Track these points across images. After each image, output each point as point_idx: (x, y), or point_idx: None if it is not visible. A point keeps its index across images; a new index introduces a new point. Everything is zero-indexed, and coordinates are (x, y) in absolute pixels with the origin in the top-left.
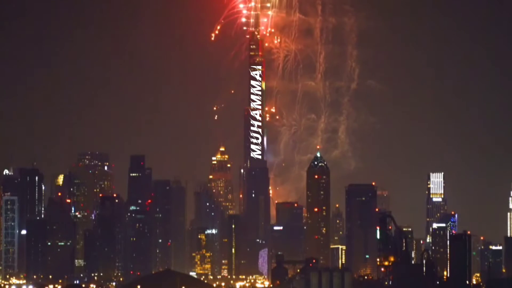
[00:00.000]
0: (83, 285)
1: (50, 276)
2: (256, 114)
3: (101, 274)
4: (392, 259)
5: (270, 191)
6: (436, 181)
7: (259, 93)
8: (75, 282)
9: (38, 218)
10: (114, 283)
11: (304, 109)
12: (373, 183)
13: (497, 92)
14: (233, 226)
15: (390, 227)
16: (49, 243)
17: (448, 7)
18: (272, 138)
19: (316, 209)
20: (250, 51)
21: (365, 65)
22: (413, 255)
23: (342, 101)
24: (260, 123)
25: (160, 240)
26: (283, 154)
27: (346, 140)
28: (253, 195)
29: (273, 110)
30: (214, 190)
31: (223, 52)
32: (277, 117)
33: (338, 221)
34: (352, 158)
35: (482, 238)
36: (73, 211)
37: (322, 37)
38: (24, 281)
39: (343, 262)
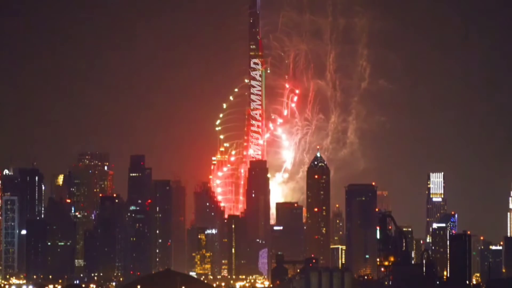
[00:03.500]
0: (83, 285)
1: (50, 276)
2: (256, 114)
3: (101, 274)
4: (392, 259)
5: (272, 191)
6: (436, 181)
7: (259, 93)
8: (75, 282)
9: (38, 218)
10: (114, 283)
11: (315, 109)
12: (373, 183)
13: (498, 92)
14: (233, 226)
15: (390, 227)
16: (49, 243)
17: (459, 7)
18: (284, 138)
19: (316, 209)
20: (250, 51)
21: (376, 64)
22: (413, 255)
23: (351, 100)
24: (260, 123)
25: (160, 240)
26: (293, 154)
27: (355, 140)
28: (253, 195)
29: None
30: (214, 190)
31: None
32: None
33: (338, 221)
34: (362, 158)
35: (482, 238)
36: (73, 211)
37: (333, 37)
38: (24, 281)
39: (343, 262)
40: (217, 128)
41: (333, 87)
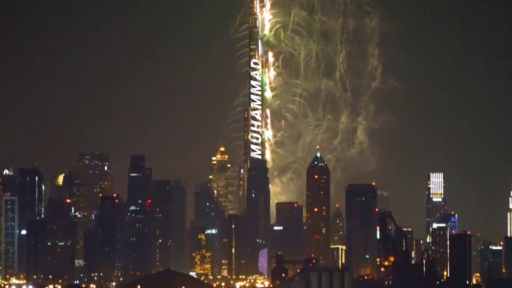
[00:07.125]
0: (83, 285)
1: (50, 276)
2: (256, 114)
3: (101, 274)
4: (392, 259)
5: (274, 191)
6: (436, 181)
7: (259, 93)
8: (75, 282)
9: (38, 218)
10: (114, 283)
11: (326, 109)
12: (373, 183)
13: (498, 93)
14: (233, 226)
15: (390, 227)
16: (49, 243)
17: (469, 7)
18: (296, 138)
19: (316, 209)
20: (250, 51)
21: (386, 64)
22: (413, 255)
23: (361, 100)
24: (260, 123)
25: (160, 240)
26: (301, 153)
27: (364, 139)
28: (253, 195)
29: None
30: (214, 190)
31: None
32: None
33: (338, 221)
34: (371, 158)
35: (478, 234)
36: (73, 211)
37: (343, 37)
38: (24, 281)
39: (343, 262)
40: (219, 128)
41: (343, 87)
